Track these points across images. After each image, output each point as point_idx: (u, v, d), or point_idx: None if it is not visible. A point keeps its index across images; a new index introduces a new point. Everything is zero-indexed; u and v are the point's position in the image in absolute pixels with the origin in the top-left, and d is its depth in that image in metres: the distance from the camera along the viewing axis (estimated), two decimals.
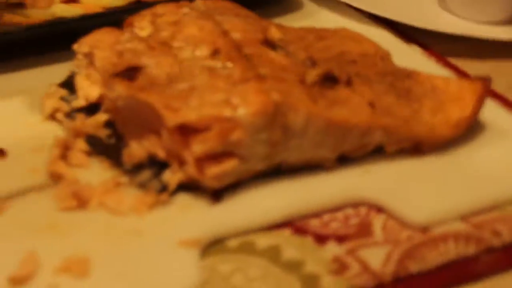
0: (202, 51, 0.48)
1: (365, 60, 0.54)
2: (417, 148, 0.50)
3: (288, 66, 0.49)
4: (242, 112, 0.44)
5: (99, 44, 0.51)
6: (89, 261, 0.40)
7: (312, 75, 0.48)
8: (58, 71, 0.55)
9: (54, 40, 0.58)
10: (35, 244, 0.41)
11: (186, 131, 0.44)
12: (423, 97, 0.51)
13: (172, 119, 0.44)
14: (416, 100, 0.51)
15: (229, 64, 0.47)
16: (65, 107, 0.52)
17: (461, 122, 0.50)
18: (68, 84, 0.53)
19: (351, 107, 0.48)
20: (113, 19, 0.57)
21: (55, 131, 0.50)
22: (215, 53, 0.48)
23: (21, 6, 0.62)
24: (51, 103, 0.52)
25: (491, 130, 0.53)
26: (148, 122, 0.46)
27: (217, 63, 0.47)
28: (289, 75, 0.48)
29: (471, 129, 0.51)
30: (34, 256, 0.40)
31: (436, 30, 0.67)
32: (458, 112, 0.50)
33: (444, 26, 0.69)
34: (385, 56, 0.55)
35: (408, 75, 0.54)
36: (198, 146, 0.44)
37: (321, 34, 0.57)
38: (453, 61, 0.64)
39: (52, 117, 0.52)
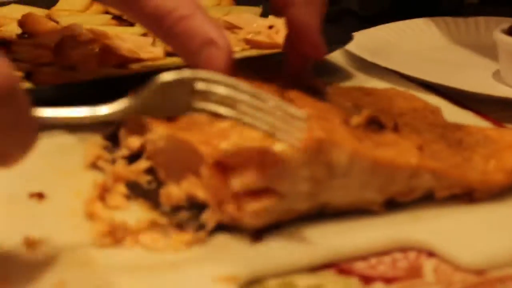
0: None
1: (414, 113, 0.55)
2: (469, 195, 0.50)
3: (332, 110, 0.50)
4: (283, 146, 0.45)
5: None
6: None
7: (357, 118, 0.49)
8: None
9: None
10: (67, 276, 0.42)
11: (226, 168, 0.45)
12: (475, 146, 0.52)
13: (210, 153, 0.45)
14: (468, 149, 0.51)
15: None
16: (107, 155, 0.53)
17: None
18: (113, 136, 0.55)
19: (398, 149, 0.48)
20: None
21: (96, 178, 0.51)
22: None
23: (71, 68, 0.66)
24: (94, 151, 0.54)
25: None
26: (187, 162, 0.48)
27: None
28: (333, 117, 0.49)
29: None
30: (64, 285, 0.41)
31: (492, 95, 0.68)
32: None
33: (499, 92, 0.70)
34: (435, 111, 0.57)
35: (459, 127, 0.55)
36: (237, 181, 0.45)
37: (369, 91, 0.58)
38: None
39: (93, 165, 0.53)
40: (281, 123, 0.44)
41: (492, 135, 0.53)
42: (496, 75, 0.76)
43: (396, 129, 0.50)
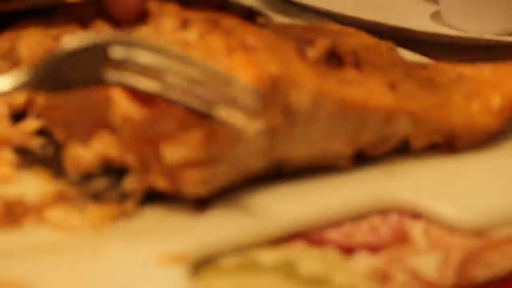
0: (167, 24, 0.45)
1: (368, 51, 0.52)
2: (449, 144, 0.48)
3: (282, 41, 0.45)
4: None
5: (23, 35, 0.49)
6: None
7: (314, 50, 0.46)
8: None
9: None
10: None
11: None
12: (450, 85, 0.50)
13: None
14: (442, 88, 0.49)
15: (206, 35, 0.43)
16: None
17: (505, 110, 0.49)
18: None
19: (366, 88, 0.45)
20: None
21: None
22: (184, 25, 0.45)
23: None
24: None
25: None
26: (97, 115, 0.43)
27: (190, 34, 0.44)
28: (285, 49, 0.44)
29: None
30: None
31: (436, 33, 0.68)
32: (499, 97, 0.49)
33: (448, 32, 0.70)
34: (390, 48, 0.54)
35: (424, 66, 0.53)
36: (170, 152, 0.40)
37: (308, 28, 0.55)
38: None
39: None
40: (221, 98, 0.40)
41: (466, 72, 0.51)
42: (435, 16, 0.75)
43: (357, 65, 0.47)
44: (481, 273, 0.39)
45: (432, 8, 0.76)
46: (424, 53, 0.64)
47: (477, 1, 0.70)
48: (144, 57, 0.40)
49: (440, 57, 0.64)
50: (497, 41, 0.68)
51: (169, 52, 0.40)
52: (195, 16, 0.46)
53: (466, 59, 0.65)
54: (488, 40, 0.68)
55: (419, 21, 0.73)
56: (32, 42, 0.47)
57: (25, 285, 0.35)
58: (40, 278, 0.35)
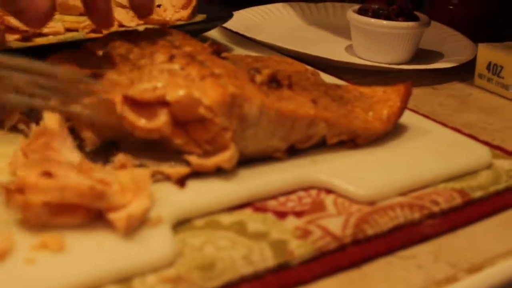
0: (159, 58, 0.47)
1: (298, 75, 0.53)
2: (353, 141, 0.49)
3: (238, 70, 0.47)
4: (204, 103, 0.42)
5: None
6: (64, 240, 0.36)
7: (260, 76, 0.47)
8: None
9: None
10: None
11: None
12: (354, 101, 0.51)
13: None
14: (349, 103, 0.51)
15: (186, 66, 0.45)
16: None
17: (390, 117, 0.50)
18: None
19: (296, 103, 0.46)
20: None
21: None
22: (171, 59, 0.46)
23: None
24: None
25: (410, 128, 0.53)
26: None
27: (174, 66, 0.45)
28: (240, 76, 0.46)
29: (394, 127, 0.51)
30: None
31: (351, 62, 0.69)
32: (387, 109, 0.50)
33: (355, 60, 0.70)
34: (314, 73, 0.56)
35: (338, 86, 0.54)
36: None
37: (257, 58, 0.56)
38: None
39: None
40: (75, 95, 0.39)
41: (365, 92, 0.53)
42: (349, 49, 0.76)
43: (290, 86, 0.48)
44: (370, 230, 0.41)
45: (346, 42, 0.78)
46: (339, 76, 0.65)
47: (376, 40, 0.71)
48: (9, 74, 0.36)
49: (351, 79, 0.66)
50: (389, 68, 0.69)
51: (32, 66, 0.37)
52: (177, 52, 0.47)
53: (368, 81, 0.69)
54: (383, 67, 0.70)
55: (337, 52, 0.75)
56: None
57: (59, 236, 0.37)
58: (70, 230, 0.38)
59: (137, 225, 0.38)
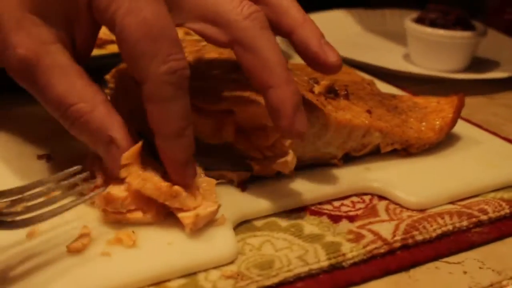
0: (227, 67, 0.49)
1: (355, 85, 0.56)
2: (406, 150, 0.51)
3: (298, 81, 0.50)
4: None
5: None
6: (137, 237, 0.40)
7: (319, 87, 0.50)
8: None
9: None
10: None
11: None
12: (408, 111, 0.53)
13: None
14: (403, 113, 0.52)
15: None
16: None
17: (443, 128, 0.51)
18: None
19: (352, 113, 0.49)
20: None
21: None
22: (236, 69, 0.49)
23: None
24: None
25: (463, 138, 0.54)
26: None
27: (240, 76, 0.48)
28: (300, 86, 0.49)
29: (447, 137, 0.53)
30: None
31: (408, 72, 0.70)
32: (440, 120, 0.52)
33: (413, 69, 0.72)
34: (371, 83, 0.57)
35: (393, 96, 0.56)
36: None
37: None
38: None
39: None
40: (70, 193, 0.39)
41: (419, 102, 0.54)
42: (406, 57, 0.78)
43: (347, 96, 0.51)
44: (418, 236, 0.42)
45: (404, 50, 0.79)
46: (395, 84, 0.67)
47: (433, 49, 0.72)
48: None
49: (407, 87, 0.67)
50: (445, 77, 0.70)
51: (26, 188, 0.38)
52: None
53: (424, 89, 0.70)
54: (439, 76, 0.71)
55: (394, 59, 0.77)
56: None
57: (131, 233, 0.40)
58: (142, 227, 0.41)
59: (203, 225, 0.41)
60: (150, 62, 0.39)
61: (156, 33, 0.39)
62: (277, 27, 0.46)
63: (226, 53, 0.52)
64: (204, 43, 0.55)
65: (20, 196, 0.38)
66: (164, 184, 0.40)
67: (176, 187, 0.40)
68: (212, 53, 0.52)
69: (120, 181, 0.41)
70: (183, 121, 0.40)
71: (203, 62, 0.51)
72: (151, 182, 0.40)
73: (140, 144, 0.41)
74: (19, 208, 0.37)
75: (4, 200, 0.37)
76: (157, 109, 0.39)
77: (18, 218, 0.37)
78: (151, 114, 0.40)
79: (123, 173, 0.40)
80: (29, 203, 0.38)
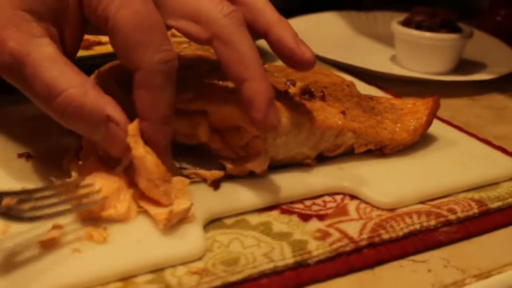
0: (202, 68, 0.50)
1: (334, 86, 0.56)
2: (380, 150, 0.51)
3: (275, 83, 0.51)
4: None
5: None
6: (107, 234, 0.40)
7: (294, 88, 0.50)
8: None
9: None
10: None
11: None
12: (384, 112, 0.53)
13: None
14: (379, 114, 0.53)
15: (225, 79, 0.48)
16: None
17: (417, 129, 0.52)
18: None
19: (326, 114, 0.49)
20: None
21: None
22: (211, 70, 0.50)
23: None
24: None
25: (439, 139, 0.55)
26: None
27: (215, 77, 0.49)
28: (275, 87, 0.49)
29: (424, 138, 0.53)
30: None
31: (392, 73, 0.71)
32: (414, 121, 0.52)
33: (397, 71, 0.72)
34: (350, 84, 0.58)
35: (371, 97, 0.56)
36: None
37: None
38: None
39: None
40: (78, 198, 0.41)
41: (396, 103, 0.55)
42: (393, 59, 0.78)
43: (323, 98, 0.51)
44: (385, 235, 0.43)
45: (393, 51, 0.79)
46: (379, 85, 0.67)
47: (419, 51, 0.73)
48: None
49: (391, 88, 0.68)
50: (430, 79, 0.71)
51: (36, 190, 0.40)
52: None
53: (408, 90, 0.69)
54: (424, 78, 0.71)
55: (381, 61, 0.77)
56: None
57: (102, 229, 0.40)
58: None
59: (175, 222, 0.41)
60: (144, 52, 0.40)
61: (149, 24, 0.41)
62: (253, 26, 0.47)
63: (203, 56, 0.53)
64: (184, 45, 0.56)
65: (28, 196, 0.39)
66: (152, 163, 0.41)
67: (169, 174, 0.41)
68: (190, 55, 0.53)
69: (94, 176, 0.42)
70: (169, 110, 0.42)
71: (180, 63, 0.52)
72: (152, 156, 0.41)
73: (138, 119, 0.41)
74: (26, 206, 0.39)
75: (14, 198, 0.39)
76: (148, 95, 0.41)
77: (25, 215, 0.38)
78: (141, 100, 0.41)
79: (131, 142, 0.41)
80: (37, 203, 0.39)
